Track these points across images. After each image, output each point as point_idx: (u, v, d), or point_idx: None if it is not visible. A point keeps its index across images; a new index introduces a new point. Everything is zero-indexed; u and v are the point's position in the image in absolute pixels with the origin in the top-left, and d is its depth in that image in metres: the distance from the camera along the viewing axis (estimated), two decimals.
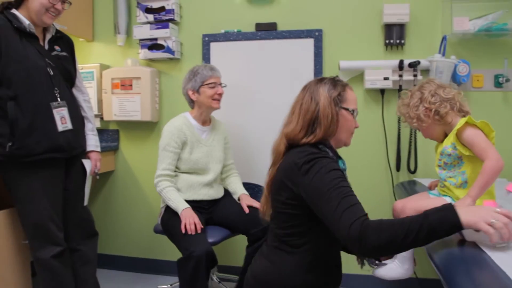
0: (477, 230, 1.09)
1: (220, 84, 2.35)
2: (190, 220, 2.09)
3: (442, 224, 1.07)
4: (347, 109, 1.45)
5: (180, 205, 2.18)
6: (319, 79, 1.49)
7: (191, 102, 2.38)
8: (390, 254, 1.12)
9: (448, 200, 1.57)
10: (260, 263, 1.48)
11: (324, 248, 1.41)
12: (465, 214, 1.06)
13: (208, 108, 2.34)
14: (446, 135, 1.62)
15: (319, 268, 1.40)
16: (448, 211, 1.09)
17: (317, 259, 1.39)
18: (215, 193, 2.40)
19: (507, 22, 2.35)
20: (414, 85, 2.46)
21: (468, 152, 1.49)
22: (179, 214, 2.14)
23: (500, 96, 2.50)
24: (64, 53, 2.07)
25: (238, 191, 2.42)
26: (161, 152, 2.29)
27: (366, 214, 1.17)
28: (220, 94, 2.33)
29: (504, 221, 1.05)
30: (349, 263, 2.72)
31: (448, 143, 1.55)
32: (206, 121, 2.42)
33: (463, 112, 1.59)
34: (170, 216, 2.23)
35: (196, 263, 1.97)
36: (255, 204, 2.26)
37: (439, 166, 1.61)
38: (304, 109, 1.42)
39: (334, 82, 1.47)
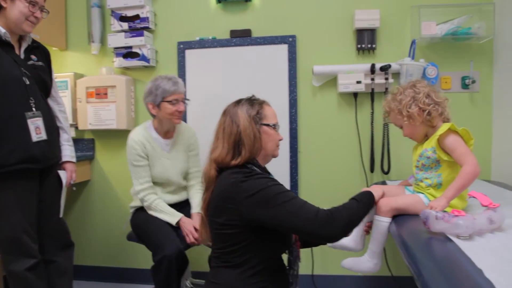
0: None
1: (183, 100, 2.26)
2: (189, 229, 2.17)
3: (370, 202, 1.53)
4: (267, 125, 1.52)
5: (175, 217, 2.22)
6: (236, 101, 1.56)
7: (152, 114, 2.31)
8: (351, 231, 1.42)
9: (421, 196, 1.62)
10: (209, 286, 1.50)
11: (266, 258, 1.45)
12: (375, 193, 1.57)
13: (168, 123, 2.28)
14: (425, 137, 1.67)
15: (263, 277, 1.44)
16: (368, 194, 1.55)
17: (260, 270, 1.43)
18: (179, 197, 2.42)
19: (471, 27, 2.45)
20: (386, 88, 2.55)
21: (447, 157, 1.54)
22: (177, 224, 2.20)
23: (467, 97, 2.59)
24: (40, 63, 2.05)
25: (193, 208, 2.35)
26: (131, 168, 2.26)
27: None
28: (181, 112, 2.24)
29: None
30: (325, 264, 2.77)
31: (428, 146, 1.60)
32: (169, 131, 2.35)
33: (446, 119, 1.64)
34: (138, 218, 2.29)
35: (168, 263, 2.00)
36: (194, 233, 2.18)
37: (417, 167, 1.66)
38: (227, 133, 1.49)
39: (251, 101, 1.54)
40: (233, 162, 1.44)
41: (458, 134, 1.54)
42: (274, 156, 1.58)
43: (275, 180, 1.43)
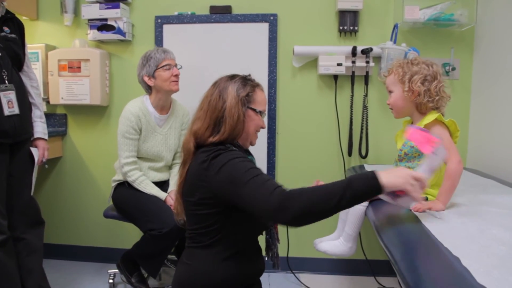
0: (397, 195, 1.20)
1: (175, 65, 2.31)
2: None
3: (366, 190, 1.13)
4: (254, 110, 1.45)
5: (161, 193, 2.25)
6: (230, 76, 1.47)
7: (148, 89, 2.32)
8: (314, 220, 1.14)
9: None
10: (181, 269, 1.47)
11: (240, 240, 1.42)
12: (387, 178, 1.12)
13: (167, 92, 2.30)
14: (410, 122, 1.64)
15: (237, 259, 1.41)
16: (371, 178, 1.13)
17: (234, 252, 1.40)
18: (163, 176, 2.43)
19: (454, 13, 2.44)
20: (367, 72, 2.53)
21: None
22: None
23: (446, 84, 2.58)
24: (13, 35, 1.97)
25: (171, 187, 2.39)
26: (121, 139, 2.26)
27: (281, 185, 1.19)
28: (177, 76, 2.29)
29: (420, 185, 1.15)
30: (300, 247, 2.78)
31: None
32: (164, 107, 2.37)
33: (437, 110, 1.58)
34: (124, 192, 2.29)
35: (167, 234, 2.06)
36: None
37: (399, 155, 1.62)
38: (211, 106, 1.41)
39: (245, 81, 1.45)
40: (211, 139, 1.39)
41: (444, 125, 1.50)
42: (252, 143, 1.51)
43: (245, 157, 1.35)
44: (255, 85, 1.47)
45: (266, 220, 1.26)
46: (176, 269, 1.51)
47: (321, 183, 1.34)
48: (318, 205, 1.12)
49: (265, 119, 2.64)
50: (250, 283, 1.48)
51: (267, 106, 2.67)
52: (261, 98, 1.47)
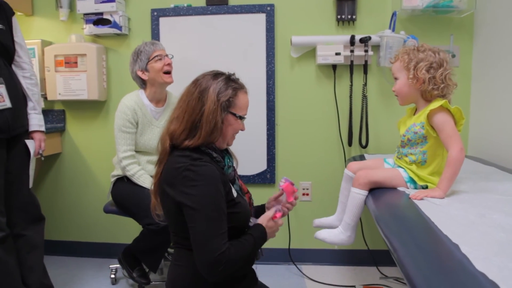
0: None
1: (166, 55, 2.32)
2: None
3: (262, 242, 1.41)
4: (233, 114, 1.38)
5: None
6: (214, 74, 1.40)
7: (143, 84, 2.33)
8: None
9: (401, 171, 1.60)
10: (171, 270, 1.45)
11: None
12: (268, 232, 1.43)
13: (161, 84, 2.30)
14: (415, 111, 1.63)
15: None
16: (263, 234, 1.42)
17: None
18: None
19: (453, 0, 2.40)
20: (366, 61, 2.51)
21: (436, 134, 1.50)
22: None
23: (453, 72, 2.55)
24: (0, 26, 1.91)
25: None
26: (118, 133, 2.26)
27: (228, 245, 1.26)
28: (169, 65, 2.30)
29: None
30: (301, 238, 2.77)
31: (417, 121, 1.55)
32: (160, 100, 2.38)
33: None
34: (123, 187, 2.30)
35: (167, 232, 2.06)
36: None
37: (402, 141, 1.62)
38: (190, 107, 1.35)
39: (228, 83, 1.38)
40: (186, 143, 1.33)
41: (450, 112, 1.49)
42: (228, 145, 1.46)
43: (217, 184, 1.29)
44: (238, 88, 1.39)
45: (196, 262, 1.26)
46: (168, 269, 1.49)
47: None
48: (240, 265, 1.30)
49: (264, 110, 2.66)
50: (243, 274, 1.46)
51: (265, 97, 2.66)
52: (242, 102, 1.40)
